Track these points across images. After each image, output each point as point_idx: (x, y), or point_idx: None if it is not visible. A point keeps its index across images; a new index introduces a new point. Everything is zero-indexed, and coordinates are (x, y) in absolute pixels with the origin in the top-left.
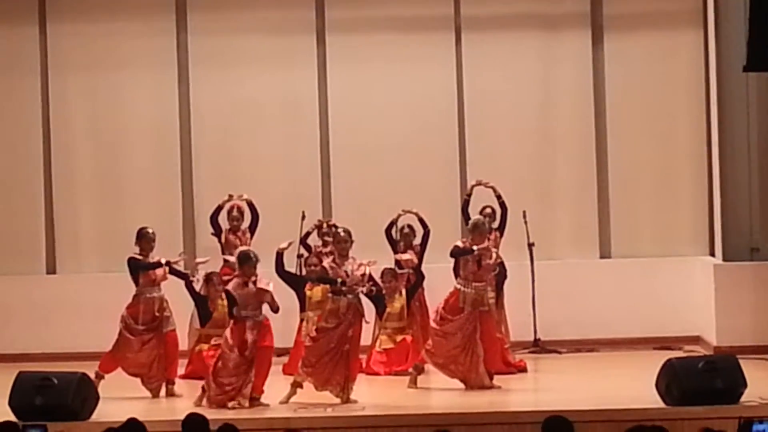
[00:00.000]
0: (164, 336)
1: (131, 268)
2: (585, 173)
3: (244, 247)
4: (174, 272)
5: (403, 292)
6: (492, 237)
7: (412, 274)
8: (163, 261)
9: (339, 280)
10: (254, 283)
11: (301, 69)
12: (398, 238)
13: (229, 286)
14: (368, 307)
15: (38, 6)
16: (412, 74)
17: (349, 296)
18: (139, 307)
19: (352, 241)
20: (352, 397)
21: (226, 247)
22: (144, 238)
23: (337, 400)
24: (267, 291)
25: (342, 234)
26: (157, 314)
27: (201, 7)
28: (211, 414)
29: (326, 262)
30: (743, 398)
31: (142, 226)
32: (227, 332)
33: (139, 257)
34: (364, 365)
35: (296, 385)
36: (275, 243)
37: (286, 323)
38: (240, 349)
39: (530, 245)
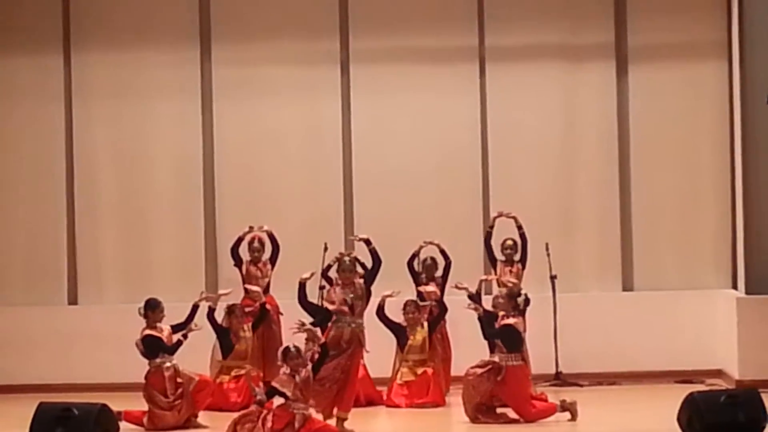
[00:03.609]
0: (192, 394)
1: (151, 348)
2: (608, 205)
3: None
4: (186, 336)
5: (425, 324)
6: (514, 269)
7: (435, 306)
8: (182, 337)
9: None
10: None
11: (325, 99)
12: (420, 270)
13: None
14: (384, 339)
15: (63, 34)
16: (436, 105)
17: (353, 326)
18: (163, 378)
19: (357, 272)
20: (347, 426)
21: (247, 279)
22: (156, 309)
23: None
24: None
25: (347, 263)
26: (179, 380)
27: (225, 38)
28: None
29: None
30: None
31: (150, 297)
32: None
33: (155, 334)
34: (384, 397)
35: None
36: (297, 274)
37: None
38: None
39: (552, 277)
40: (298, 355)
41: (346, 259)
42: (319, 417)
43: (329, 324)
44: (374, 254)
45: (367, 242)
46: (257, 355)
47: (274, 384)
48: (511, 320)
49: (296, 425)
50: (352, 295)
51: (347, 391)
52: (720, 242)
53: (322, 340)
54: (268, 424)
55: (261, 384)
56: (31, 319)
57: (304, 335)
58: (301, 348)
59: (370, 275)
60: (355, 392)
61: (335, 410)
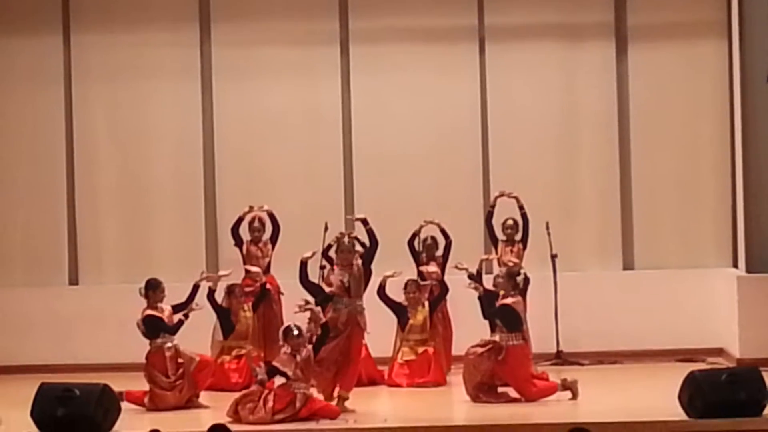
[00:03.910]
0: (193, 374)
1: (152, 329)
2: (608, 184)
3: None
4: (187, 316)
5: (426, 304)
6: (515, 249)
7: (436, 285)
8: (183, 317)
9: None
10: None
11: (325, 79)
12: (421, 249)
13: (277, 363)
14: (385, 319)
15: (62, 16)
16: (436, 84)
17: (350, 307)
18: (164, 358)
19: (356, 252)
20: (349, 406)
21: (248, 259)
22: (156, 289)
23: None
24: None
25: (345, 243)
26: (180, 360)
27: (224, 19)
28: (235, 426)
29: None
30: (766, 411)
31: (151, 278)
32: None
33: (156, 314)
34: (386, 377)
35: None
36: (298, 254)
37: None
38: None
39: (553, 257)
40: (299, 335)
41: (345, 239)
42: (320, 397)
43: (328, 305)
44: (371, 234)
45: (364, 222)
46: (258, 335)
47: (274, 363)
48: (509, 300)
49: (297, 405)
50: (348, 277)
51: (348, 372)
52: (720, 221)
53: (323, 320)
54: (269, 404)
55: (262, 364)
56: (31, 299)
57: (306, 314)
58: (303, 328)
59: (368, 255)
60: (357, 373)
61: (336, 390)
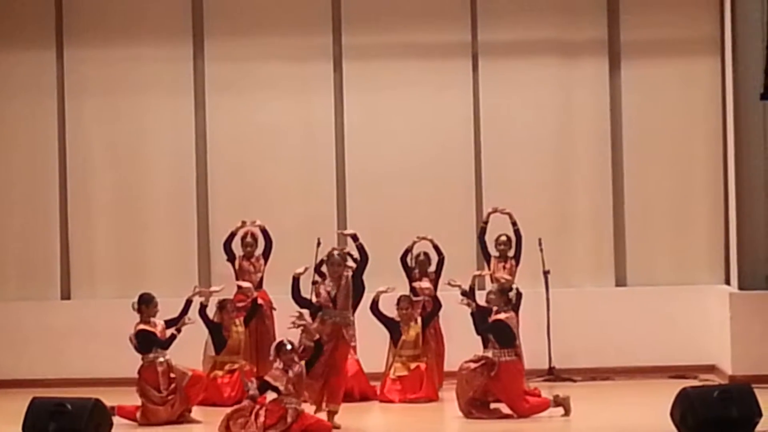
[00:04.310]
0: (185, 389)
1: (145, 343)
2: (601, 200)
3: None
4: (180, 330)
5: (419, 319)
6: (508, 265)
7: (428, 301)
8: (175, 331)
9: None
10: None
11: (318, 95)
12: (413, 265)
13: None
14: (378, 334)
15: (55, 30)
16: (429, 100)
17: (336, 319)
18: (156, 373)
19: (347, 266)
20: (337, 421)
21: (240, 274)
22: (149, 304)
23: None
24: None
25: (336, 257)
26: (172, 375)
27: (218, 34)
28: None
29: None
30: (758, 428)
31: (144, 292)
32: None
33: (149, 329)
34: (378, 392)
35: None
36: (290, 269)
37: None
38: None
39: (545, 273)
40: (291, 350)
41: (335, 252)
42: (311, 410)
43: (316, 317)
44: (361, 249)
45: (354, 237)
46: (250, 350)
47: (266, 378)
48: (502, 315)
49: (288, 420)
50: (336, 289)
51: (334, 385)
52: (713, 238)
53: (317, 336)
54: (261, 419)
55: (254, 379)
56: (24, 314)
57: (299, 330)
58: (295, 343)
59: (358, 270)
60: (344, 386)
61: (324, 404)
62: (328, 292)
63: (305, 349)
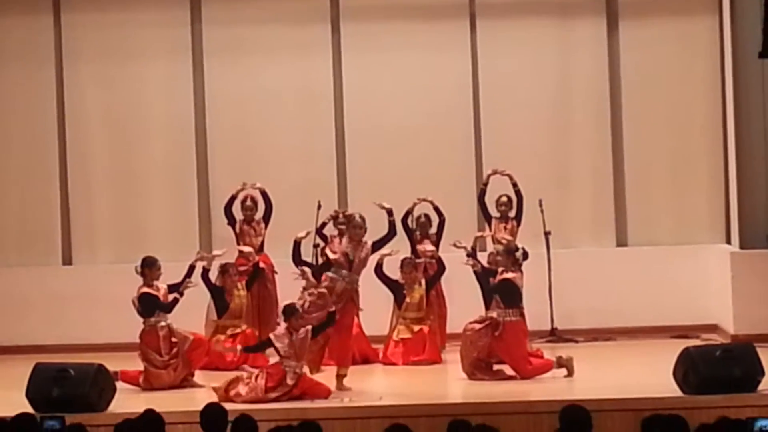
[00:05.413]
0: (187, 353)
1: (148, 306)
2: (601, 161)
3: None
4: (182, 294)
5: (423, 282)
6: (509, 226)
7: (431, 263)
8: (178, 295)
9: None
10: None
11: (316, 58)
12: (414, 227)
13: (272, 336)
14: (379, 297)
15: None
16: (427, 62)
17: (347, 280)
18: (157, 337)
19: (365, 228)
20: (346, 384)
21: (241, 238)
22: (153, 267)
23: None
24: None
25: (357, 219)
26: (174, 340)
27: None
28: (229, 405)
29: (328, 251)
30: (761, 387)
31: (147, 255)
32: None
33: (152, 293)
34: (381, 355)
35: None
36: (291, 233)
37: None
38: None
39: (546, 233)
40: (300, 315)
41: (357, 216)
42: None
43: (324, 275)
44: (392, 225)
45: (389, 212)
46: (252, 313)
47: (270, 336)
48: (510, 275)
49: (289, 382)
50: (354, 252)
51: (339, 345)
52: (713, 197)
53: (332, 307)
54: (261, 382)
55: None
56: (25, 279)
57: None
58: (298, 303)
59: (380, 242)
60: (349, 349)
61: (324, 366)
62: (346, 254)
63: (311, 305)
